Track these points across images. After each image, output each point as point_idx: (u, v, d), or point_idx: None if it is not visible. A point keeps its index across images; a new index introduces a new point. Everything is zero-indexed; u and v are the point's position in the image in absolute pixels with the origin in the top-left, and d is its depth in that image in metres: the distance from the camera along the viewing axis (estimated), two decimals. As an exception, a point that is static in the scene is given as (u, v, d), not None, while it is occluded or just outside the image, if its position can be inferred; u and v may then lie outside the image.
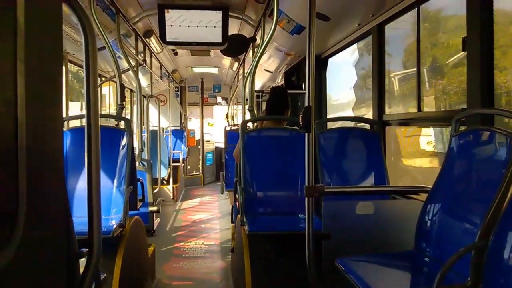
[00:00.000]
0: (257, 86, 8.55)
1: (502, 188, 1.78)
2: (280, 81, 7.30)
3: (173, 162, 8.85)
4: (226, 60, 8.30)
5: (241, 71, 7.67)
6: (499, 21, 2.34)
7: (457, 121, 2.29)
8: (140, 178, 3.71)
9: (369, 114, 4.42)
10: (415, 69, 3.18)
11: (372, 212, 2.66)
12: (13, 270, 0.86)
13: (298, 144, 3.42)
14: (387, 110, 3.75)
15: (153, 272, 4.17)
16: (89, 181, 1.37)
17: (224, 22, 4.54)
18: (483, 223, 1.78)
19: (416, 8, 3.09)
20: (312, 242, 2.35)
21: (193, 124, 11.83)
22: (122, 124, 3.77)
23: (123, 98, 4.39)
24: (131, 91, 7.99)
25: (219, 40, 4.66)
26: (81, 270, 1.34)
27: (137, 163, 4.64)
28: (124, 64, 5.23)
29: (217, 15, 4.54)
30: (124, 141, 3.40)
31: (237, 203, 3.59)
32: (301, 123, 2.31)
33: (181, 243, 5.57)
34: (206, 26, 4.60)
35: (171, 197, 8.53)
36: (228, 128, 8.10)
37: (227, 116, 9.92)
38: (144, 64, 6.15)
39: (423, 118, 3.21)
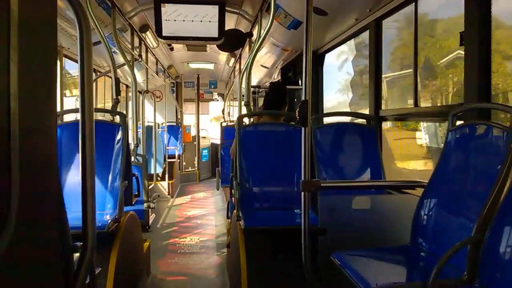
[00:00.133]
0: (254, 82, 8.52)
1: (498, 183, 1.77)
2: (276, 77, 7.29)
3: (168, 158, 8.83)
4: (223, 56, 8.28)
5: (237, 67, 7.65)
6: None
7: (454, 115, 2.29)
8: (136, 174, 3.69)
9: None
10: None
11: (368, 207, 2.66)
12: (6, 264, 0.85)
13: (295, 139, 3.41)
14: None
15: (149, 268, 4.15)
16: (83, 175, 1.36)
17: (221, 16, 4.51)
18: (479, 217, 1.78)
19: (413, 3, 3.08)
20: (308, 237, 2.34)
21: (189, 119, 11.80)
22: (117, 119, 3.74)
23: (118, 92, 4.37)
24: (127, 86, 7.95)
25: (216, 35, 4.63)
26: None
27: (132, 158, 4.61)
28: (119, 59, 5.20)
29: (213, 10, 4.51)
30: (119, 136, 3.38)
31: (233, 199, 3.58)
32: (297, 117, 2.30)
33: (177, 239, 5.56)
34: (202, 21, 4.57)
35: (167, 193, 8.51)
36: (224, 124, 8.08)
37: (223, 112, 9.90)
38: (139, 59, 6.12)
39: (419, 113, 3.21)
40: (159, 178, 8.17)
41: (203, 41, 4.87)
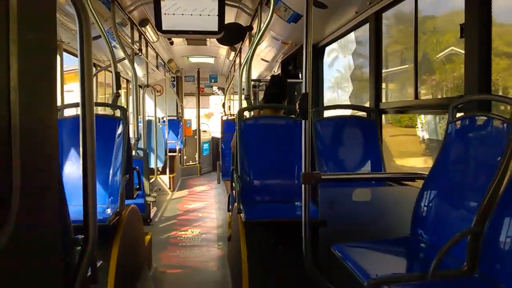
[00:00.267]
0: (254, 76, 8.50)
1: (498, 174, 1.78)
2: (276, 70, 7.28)
3: (169, 152, 8.83)
4: (223, 50, 8.26)
5: (237, 61, 7.64)
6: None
7: (454, 107, 2.29)
8: (137, 167, 3.70)
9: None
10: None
11: (369, 199, 2.67)
12: (8, 257, 0.85)
13: (295, 132, 3.42)
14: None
15: (150, 261, 4.17)
16: (84, 169, 1.37)
17: (221, 10, 4.49)
18: (479, 208, 1.78)
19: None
20: (309, 229, 2.35)
21: (189, 113, 11.80)
22: (118, 113, 3.75)
23: (118, 86, 4.37)
24: (127, 81, 7.95)
25: (216, 28, 4.61)
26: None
27: (133, 152, 4.62)
28: (119, 54, 5.19)
29: (213, 3, 4.49)
30: (120, 130, 3.38)
31: (233, 192, 3.59)
32: (298, 110, 2.30)
33: (178, 232, 5.58)
34: (202, 15, 4.56)
35: (168, 186, 8.53)
36: (224, 118, 8.08)
37: (223, 106, 9.89)
38: (140, 54, 6.11)
39: (420, 105, 3.21)
40: (159, 172, 8.18)
41: (203, 35, 4.86)
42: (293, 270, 2.83)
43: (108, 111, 5.59)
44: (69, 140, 3.25)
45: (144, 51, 6.41)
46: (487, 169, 1.90)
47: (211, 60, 9.72)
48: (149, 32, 6.07)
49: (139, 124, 5.67)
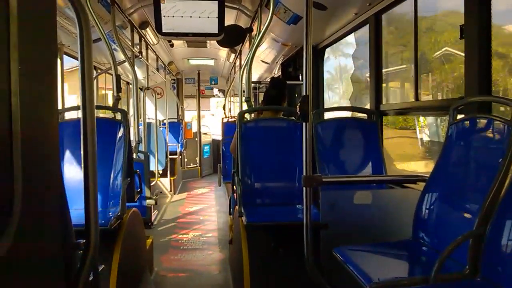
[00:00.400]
0: (254, 78, 8.50)
1: (499, 176, 1.77)
2: (277, 72, 7.28)
3: (170, 154, 8.83)
4: (223, 52, 8.26)
5: (237, 63, 7.64)
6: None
7: (455, 109, 2.28)
8: (137, 170, 3.70)
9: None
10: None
11: (370, 201, 2.66)
12: (9, 262, 0.85)
13: (296, 135, 3.41)
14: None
15: (151, 264, 4.17)
16: (85, 172, 1.36)
17: (221, 12, 4.50)
18: (481, 211, 1.78)
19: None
20: (310, 232, 2.34)
21: (190, 115, 11.81)
22: (118, 116, 3.74)
23: (119, 89, 4.37)
24: (127, 83, 7.95)
25: (216, 30, 4.61)
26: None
27: (134, 155, 4.62)
28: (120, 56, 5.19)
29: (213, 5, 4.49)
30: (120, 133, 3.38)
31: (234, 195, 3.58)
32: (298, 112, 2.30)
33: (179, 235, 5.57)
34: (202, 17, 4.56)
35: (169, 189, 8.52)
36: (225, 120, 8.08)
37: (224, 108, 9.89)
38: (140, 56, 6.11)
39: (420, 107, 3.20)
40: (159, 175, 8.18)
41: (203, 37, 4.86)
42: (294, 273, 2.82)
43: (108, 114, 5.59)
44: (69, 143, 3.25)
45: (144, 53, 6.41)
46: (488, 171, 1.89)
47: (211, 62, 9.73)
48: (149, 34, 6.07)
49: (140, 127, 5.67)
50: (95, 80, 5.80)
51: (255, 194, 3.39)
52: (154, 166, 7.20)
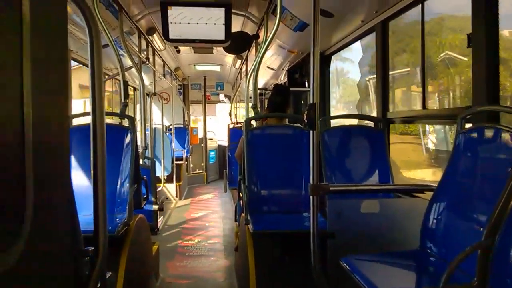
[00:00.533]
0: (260, 84, 8.52)
1: (508, 186, 1.76)
2: (283, 78, 7.29)
3: (176, 160, 8.84)
4: (229, 58, 8.28)
5: (244, 69, 7.65)
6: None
7: (463, 118, 2.27)
8: (144, 177, 3.71)
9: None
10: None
11: (377, 210, 2.65)
12: (20, 268, 0.85)
13: (302, 142, 3.41)
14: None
15: (157, 271, 4.16)
16: (95, 179, 1.37)
17: (227, 19, 4.52)
18: (489, 221, 1.76)
19: (420, 4, 3.06)
20: (317, 241, 2.34)
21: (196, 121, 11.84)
22: (125, 122, 3.76)
23: (126, 95, 4.39)
24: (134, 89, 7.99)
25: (222, 37, 4.64)
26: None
27: (140, 161, 4.63)
28: (127, 62, 5.22)
29: (220, 12, 4.51)
30: (128, 139, 3.40)
31: (240, 202, 3.58)
32: (305, 120, 2.30)
33: (185, 242, 5.57)
34: (209, 24, 4.58)
35: (175, 195, 8.53)
36: (231, 126, 8.09)
37: (230, 114, 9.91)
38: (147, 62, 6.14)
39: (428, 115, 3.19)
40: (165, 181, 8.20)
41: (210, 43, 4.89)
42: (301, 281, 2.81)
43: (115, 119, 5.61)
44: (76, 149, 3.26)
45: (151, 59, 6.44)
46: (496, 181, 1.88)
47: (217, 68, 9.76)
48: (156, 40, 6.10)
49: (147, 132, 5.69)
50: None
51: (262, 201, 3.39)
52: (160, 171, 7.22)
